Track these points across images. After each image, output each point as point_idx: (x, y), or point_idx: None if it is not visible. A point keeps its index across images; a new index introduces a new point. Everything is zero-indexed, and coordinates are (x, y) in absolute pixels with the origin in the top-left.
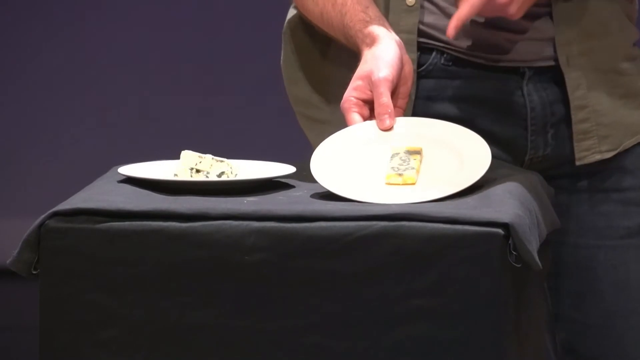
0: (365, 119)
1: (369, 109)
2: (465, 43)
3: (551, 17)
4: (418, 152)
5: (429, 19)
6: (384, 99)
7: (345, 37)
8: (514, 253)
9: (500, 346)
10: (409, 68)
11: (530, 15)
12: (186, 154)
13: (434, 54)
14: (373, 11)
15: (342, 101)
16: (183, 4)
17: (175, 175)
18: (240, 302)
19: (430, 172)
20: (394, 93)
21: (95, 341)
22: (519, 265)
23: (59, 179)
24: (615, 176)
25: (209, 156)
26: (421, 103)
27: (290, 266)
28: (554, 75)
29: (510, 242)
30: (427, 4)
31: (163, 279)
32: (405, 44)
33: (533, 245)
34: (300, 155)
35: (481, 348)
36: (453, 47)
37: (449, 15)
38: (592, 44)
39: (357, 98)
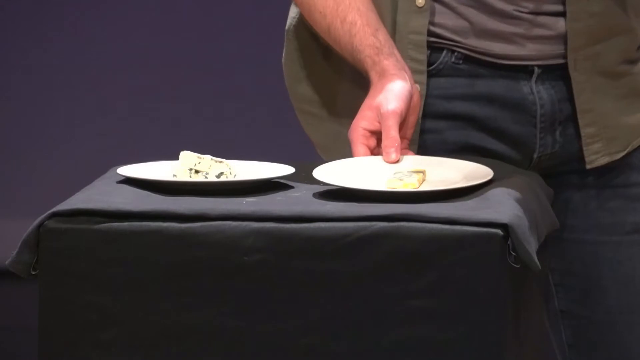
0: (371, 150)
1: (377, 139)
2: (475, 41)
3: (560, 15)
4: (421, 172)
5: (439, 18)
6: (392, 132)
7: (353, 58)
8: (513, 254)
9: (500, 347)
10: (417, 98)
11: (540, 12)
12: (185, 155)
13: (444, 52)
14: (383, 35)
15: (350, 130)
16: (183, 5)
17: (174, 175)
18: (240, 303)
19: (432, 182)
20: (402, 124)
21: (95, 342)
22: (517, 266)
23: (59, 179)
24: (622, 172)
25: (207, 157)
26: (432, 101)
27: (289, 267)
28: (561, 73)
29: (509, 242)
30: (437, 5)
31: (162, 279)
32: (415, 45)
33: (532, 246)
34: (299, 156)
35: (480, 348)
36: (463, 46)
37: (459, 14)
38: (597, 48)
39: (365, 129)
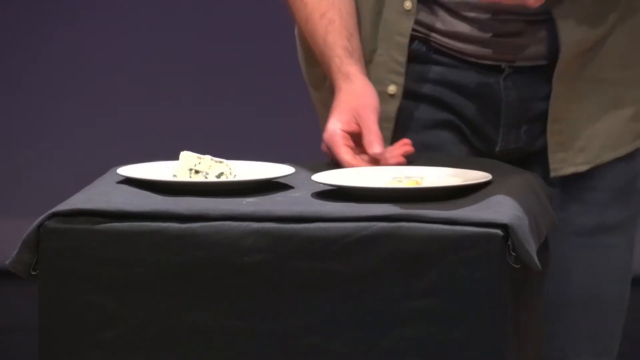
0: (352, 151)
1: (354, 141)
2: (448, 40)
3: (540, 23)
4: (420, 177)
5: (421, 17)
6: (374, 126)
7: (322, 54)
8: (513, 254)
9: (500, 347)
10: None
11: (517, 20)
12: (185, 155)
13: (416, 42)
14: (356, 42)
15: (327, 134)
16: (183, 5)
17: (174, 176)
18: (240, 303)
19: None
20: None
21: (95, 342)
22: (518, 266)
23: (59, 179)
24: (584, 175)
25: (208, 157)
26: (407, 82)
27: (289, 267)
28: (534, 73)
29: (509, 243)
30: (421, 7)
31: (162, 279)
32: (399, 46)
33: (532, 246)
34: (299, 156)
35: (481, 349)
36: (435, 40)
37: (435, 15)
38: (584, 57)
39: (344, 130)
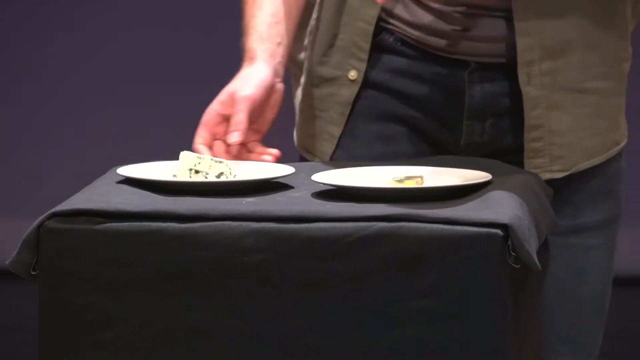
0: (219, 137)
1: (227, 125)
2: (415, 31)
3: (504, 18)
4: (419, 177)
5: (388, 5)
6: (239, 116)
7: (244, 34)
8: (513, 254)
9: (500, 347)
10: (279, 96)
11: (483, 15)
12: (185, 155)
13: (383, 32)
14: (278, 29)
15: (205, 113)
16: (184, 5)
17: (174, 176)
18: (239, 303)
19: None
20: (258, 116)
21: (95, 342)
22: (518, 266)
23: (59, 179)
24: (560, 177)
25: (207, 157)
26: (368, 70)
27: (289, 267)
28: (504, 70)
29: (509, 243)
30: None
31: (162, 279)
32: (362, 33)
33: (532, 246)
34: (299, 156)
35: (481, 349)
36: (402, 32)
37: (407, 8)
38: (557, 63)
39: (219, 113)
